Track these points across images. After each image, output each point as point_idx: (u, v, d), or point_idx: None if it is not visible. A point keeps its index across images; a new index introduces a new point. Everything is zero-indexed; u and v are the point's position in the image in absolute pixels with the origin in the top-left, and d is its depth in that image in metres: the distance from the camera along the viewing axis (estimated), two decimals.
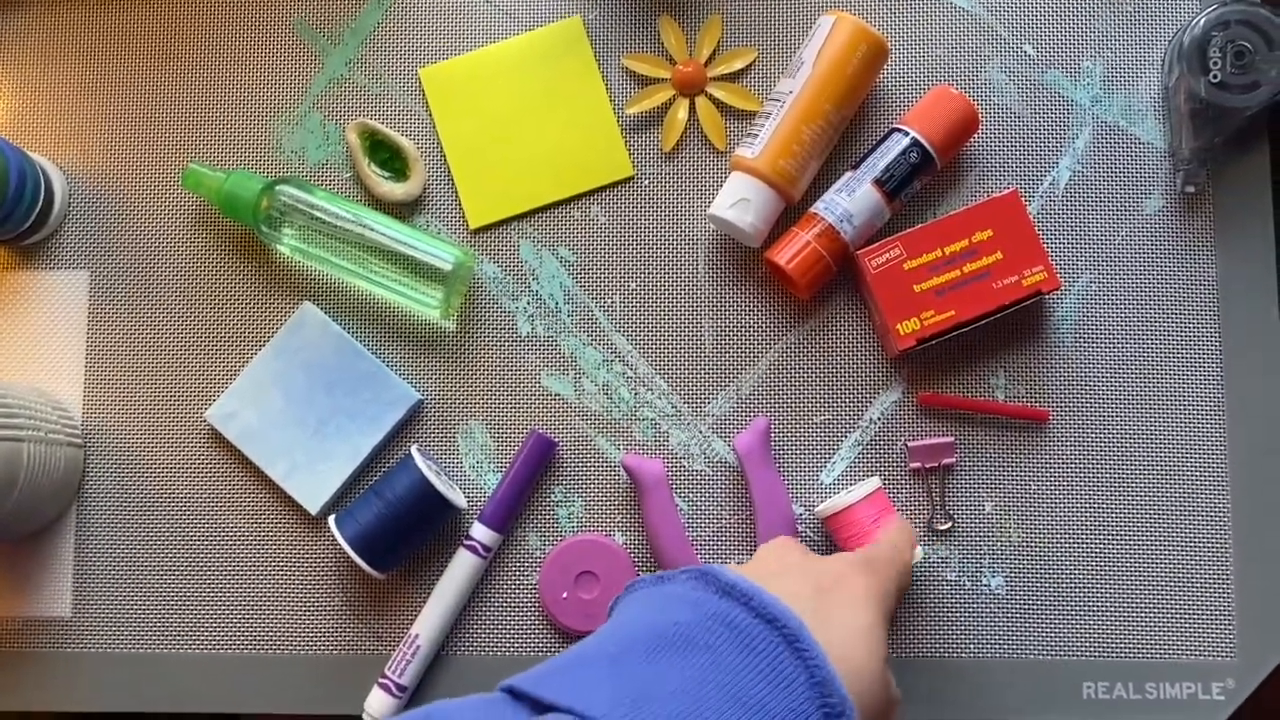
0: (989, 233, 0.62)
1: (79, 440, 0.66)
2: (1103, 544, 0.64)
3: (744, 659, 0.36)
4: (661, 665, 0.36)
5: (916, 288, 0.61)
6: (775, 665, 0.36)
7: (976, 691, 0.63)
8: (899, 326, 0.61)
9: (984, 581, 0.64)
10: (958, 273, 0.62)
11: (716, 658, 0.36)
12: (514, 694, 0.37)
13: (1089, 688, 0.63)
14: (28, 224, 0.66)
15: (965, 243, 0.62)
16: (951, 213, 0.62)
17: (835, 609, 0.42)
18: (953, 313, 0.61)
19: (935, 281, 0.61)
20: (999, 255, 0.62)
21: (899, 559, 0.51)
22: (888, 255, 0.62)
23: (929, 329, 0.61)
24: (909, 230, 0.62)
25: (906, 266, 0.62)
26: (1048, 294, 0.63)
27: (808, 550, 0.50)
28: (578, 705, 0.35)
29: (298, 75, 0.69)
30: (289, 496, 0.66)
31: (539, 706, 0.36)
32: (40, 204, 0.66)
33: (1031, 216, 0.66)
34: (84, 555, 0.66)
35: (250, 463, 0.66)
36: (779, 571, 0.45)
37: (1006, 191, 0.62)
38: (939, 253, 0.62)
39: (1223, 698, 0.63)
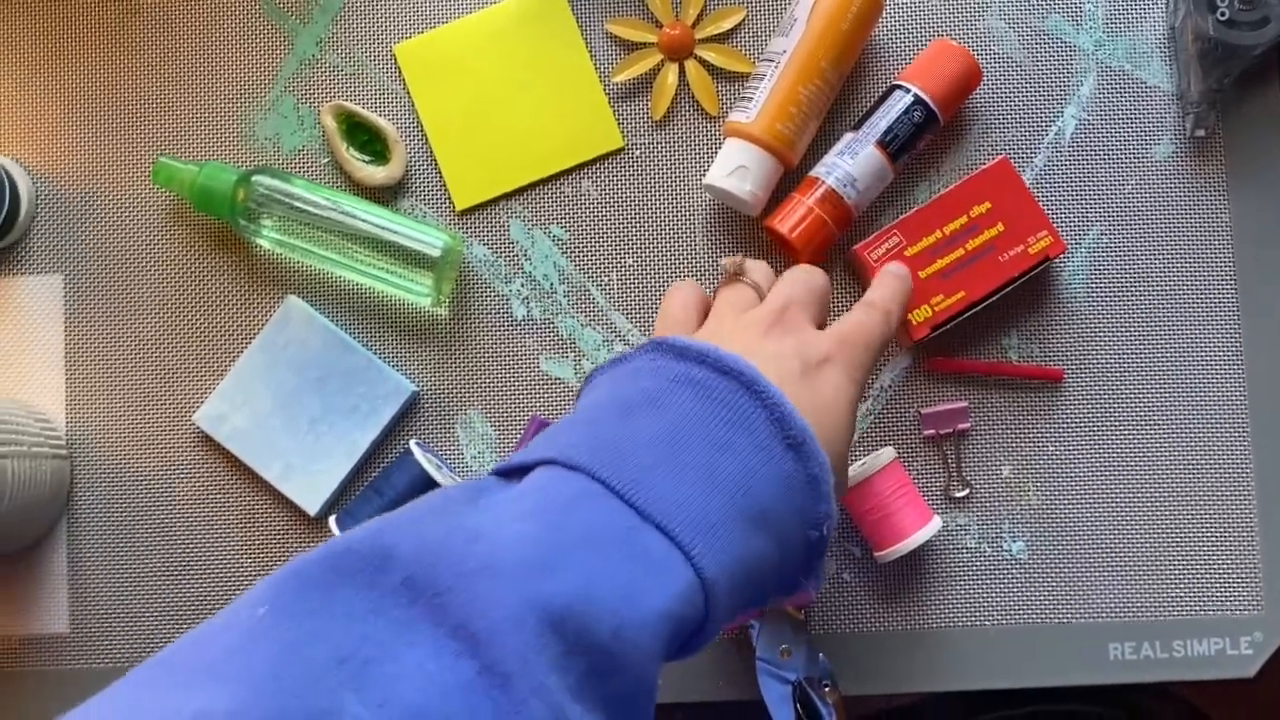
0: (986, 205, 0.60)
1: (64, 452, 0.64)
2: (1123, 502, 0.63)
3: (707, 408, 0.39)
4: (634, 422, 0.38)
5: (922, 274, 0.59)
6: (736, 408, 0.39)
7: (1001, 659, 0.62)
8: (911, 316, 0.59)
9: (1004, 547, 0.63)
10: (961, 251, 0.60)
11: (683, 411, 0.39)
12: (502, 474, 0.39)
13: (1115, 649, 0.62)
14: None
15: (964, 219, 0.60)
16: (944, 191, 0.60)
17: (823, 382, 0.44)
18: (963, 293, 0.59)
19: (940, 264, 0.60)
20: (1000, 227, 0.60)
21: (872, 335, 0.48)
22: (887, 245, 0.60)
23: (941, 314, 0.60)
24: (904, 216, 0.60)
25: (908, 253, 0.60)
26: (1055, 258, 0.61)
27: (779, 316, 0.46)
28: (560, 456, 0.37)
29: (267, 58, 0.66)
30: (287, 498, 0.64)
31: (524, 473, 0.38)
32: (6, 207, 0.63)
33: (1034, 173, 0.64)
34: (78, 569, 0.64)
35: (244, 465, 0.64)
36: (763, 347, 0.44)
37: (996, 160, 0.60)
38: (939, 234, 0.60)
39: (1251, 651, 0.62)
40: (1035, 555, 0.62)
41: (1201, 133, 0.63)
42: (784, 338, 0.45)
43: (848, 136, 0.61)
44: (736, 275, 0.49)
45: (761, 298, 0.48)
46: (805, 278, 0.48)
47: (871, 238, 0.60)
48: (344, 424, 0.63)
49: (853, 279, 0.64)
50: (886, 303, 0.50)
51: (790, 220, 0.60)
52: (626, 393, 0.40)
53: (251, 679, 0.30)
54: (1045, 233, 0.60)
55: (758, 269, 0.50)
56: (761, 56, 0.62)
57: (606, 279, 0.64)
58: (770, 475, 0.39)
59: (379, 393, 0.63)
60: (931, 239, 0.60)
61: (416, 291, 0.62)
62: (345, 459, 0.63)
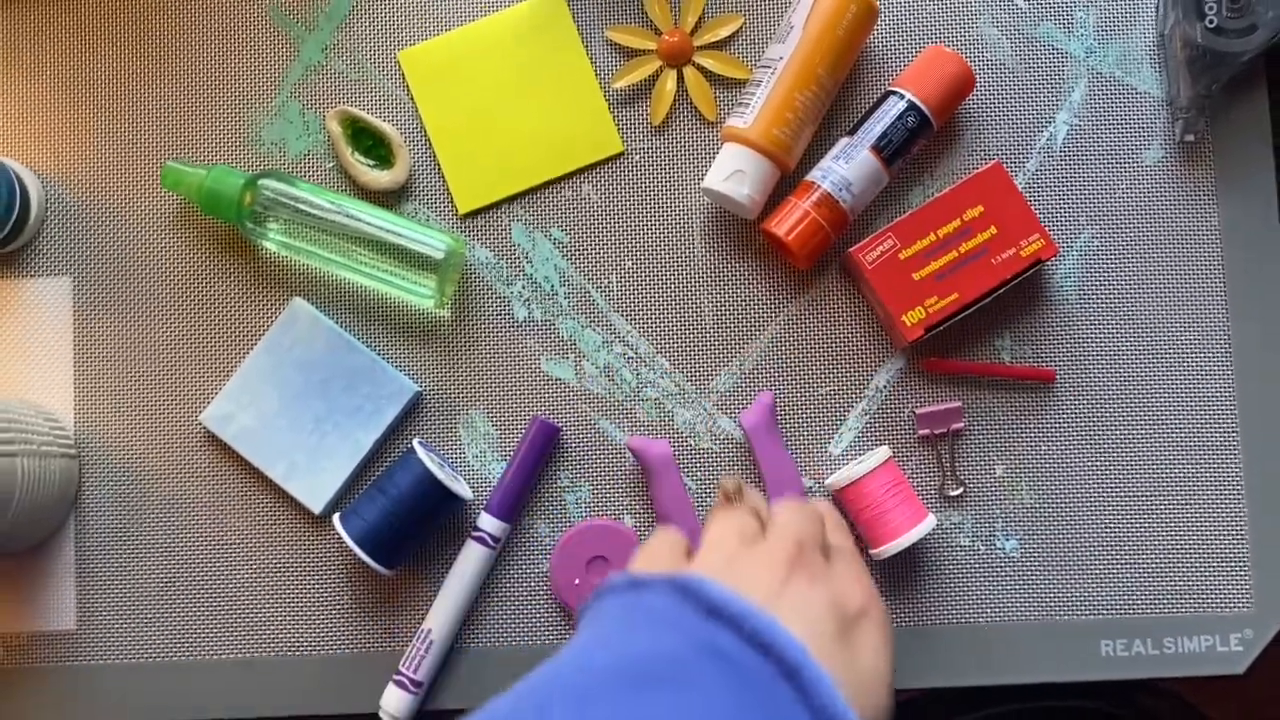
0: (979, 209, 0.61)
1: (72, 451, 0.65)
2: (1115, 500, 0.64)
3: (736, 698, 0.31)
4: (644, 699, 0.31)
5: (915, 275, 0.61)
6: (774, 705, 0.31)
7: (994, 655, 0.63)
8: (904, 318, 0.60)
9: (998, 545, 0.64)
10: (954, 254, 0.61)
11: (704, 698, 0.31)
12: None
13: (1107, 645, 0.63)
14: (5, 231, 0.64)
15: (957, 222, 0.61)
16: (938, 195, 0.61)
17: (862, 644, 0.37)
18: (956, 295, 0.61)
19: (933, 266, 0.61)
20: (993, 230, 0.61)
21: (871, 596, 0.42)
22: (881, 248, 0.61)
23: (935, 315, 0.61)
24: (898, 219, 0.61)
25: (902, 256, 0.61)
26: (1047, 261, 0.62)
27: (799, 556, 0.39)
28: None
29: (274, 64, 0.67)
30: (291, 497, 0.65)
31: None
32: (17, 210, 0.64)
33: (1026, 177, 0.65)
34: (86, 567, 0.65)
35: (250, 464, 0.65)
36: (792, 595, 0.37)
37: (989, 165, 0.61)
38: (932, 237, 0.61)
39: (1241, 648, 0.63)
40: (1028, 553, 0.63)
41: (1191, 138, 0.64)
42: (812, 585, 0.38)
43: (843, 141, 0.62)
44: (735, 497, 0.44)
45: (760, 528, 0.42)
46: (809, 509, 0.42)
47: (866, 240, 0.61)
48: (348, 424, 0.64)
49: (848, 282, 0.65)
50: (848, 535, 0.45)
51: (787, 223, 0.61)
52: (638, 652, 0.33)
53: None
54: (1037, 236, 0.61)
55: (754, 496, 0.44)
56: (758, 63, 0.63)
57: (606, 281, 0.66)
58: None
59: (382, 393, 0.64)
60: (925, 242, 0.61)
61: (420, 293, 0.63)
62: (349, 458, 0.64)
